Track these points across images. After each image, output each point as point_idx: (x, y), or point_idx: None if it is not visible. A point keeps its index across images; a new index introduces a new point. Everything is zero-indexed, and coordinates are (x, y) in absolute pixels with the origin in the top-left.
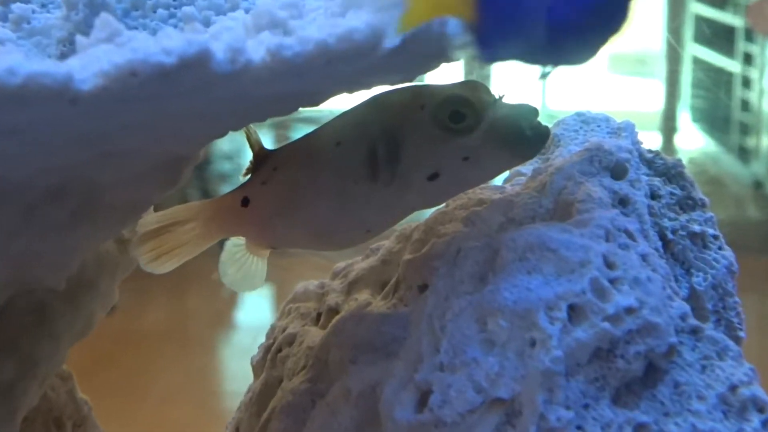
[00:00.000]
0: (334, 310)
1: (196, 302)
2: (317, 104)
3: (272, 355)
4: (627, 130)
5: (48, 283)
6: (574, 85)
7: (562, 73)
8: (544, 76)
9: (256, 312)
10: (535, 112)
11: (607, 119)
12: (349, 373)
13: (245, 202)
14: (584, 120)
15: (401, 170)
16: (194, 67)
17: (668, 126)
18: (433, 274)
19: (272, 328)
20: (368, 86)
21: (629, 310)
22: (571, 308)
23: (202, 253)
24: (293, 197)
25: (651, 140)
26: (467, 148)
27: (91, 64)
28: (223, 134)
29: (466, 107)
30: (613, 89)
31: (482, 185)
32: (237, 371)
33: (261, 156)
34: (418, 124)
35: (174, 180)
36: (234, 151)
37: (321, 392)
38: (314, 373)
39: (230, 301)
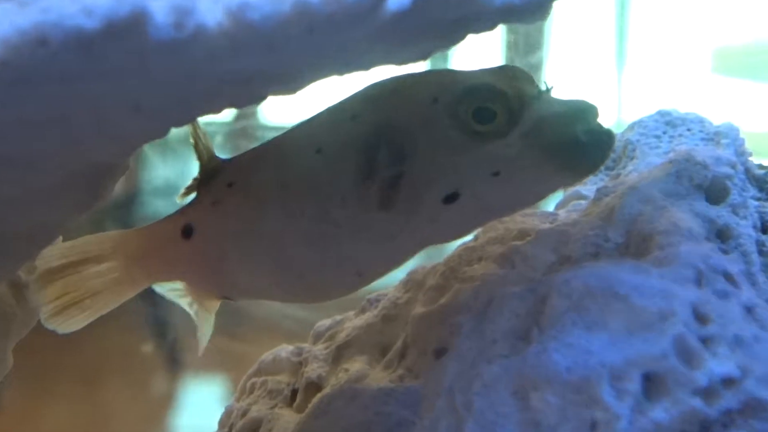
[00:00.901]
0: (315, 385)
1: (116, 398)
2: (295, 90)
3: None
4: (728, 135)
5: None
6: (663, 88)
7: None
8: None
9: (200, 411)
10: (593, 110)
11: (701, 120)
12: None
13: (187, 231)
14: (669, 121)
15: (406, 189)
16: (125, 33)
17: None
18: (456, 333)
19: (228, 411)
20: (366, 67)
21: (728, 382)
22: (647, 378)
23: (127, 321)
24: (256, 225)
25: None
26: (499, 158)
27: None
28: (162, 133)
29: (496, 102)
30: (718, 94)
31: (524, 211)
32: None
33: (211, 167)
34: (430, 124)
35: (93, 197)
36: (172, 181)
37: None
38: None
39: (165, 397)
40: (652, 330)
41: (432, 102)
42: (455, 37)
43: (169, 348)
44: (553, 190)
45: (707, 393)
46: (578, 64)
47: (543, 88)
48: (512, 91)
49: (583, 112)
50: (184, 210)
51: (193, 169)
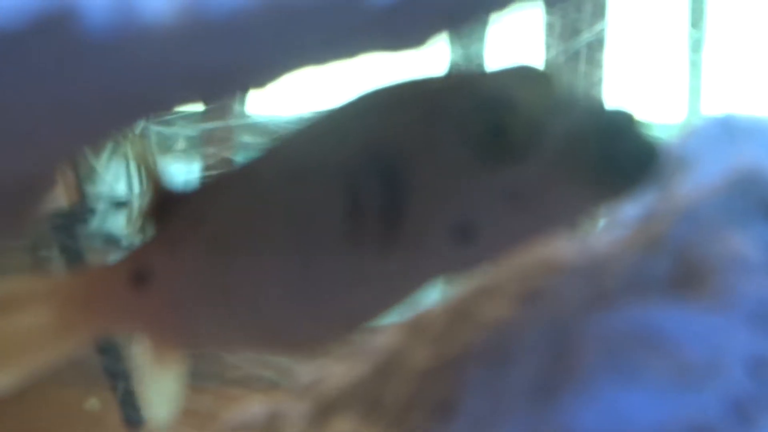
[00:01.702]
0: None
1: None
2: (264, 84)
3: None
4: None
5: None
6: (745, 80)
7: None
8: None
9: None
10: (629, 120)
11: (765, 126)
12: None
13: (141, 276)
14: (733, 128)
15: (406, 222)
16: (51, 29)
17: None
18: (465, 390)
19: None
20: (349, 54)
21: None
22: None
23: (68, 373)
24: (224, 270)
25: None
26: (517, 181)
27: None
28: (96, 141)
29: (512, 115)
30: None
31: (550, 239)
32: None
33: (166, 200)
34: (434, 143)
35: (12, 222)
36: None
37: None
38: None
39: None
40: (698, 386)
41: (436, 116)
42: (460, 18)
43: (122, 403)
44: (583, 215)
45: None
46: (640, 49)
47: (566, 91)
48: (531, 100)
49: (618, 122)
50: (136, 251)
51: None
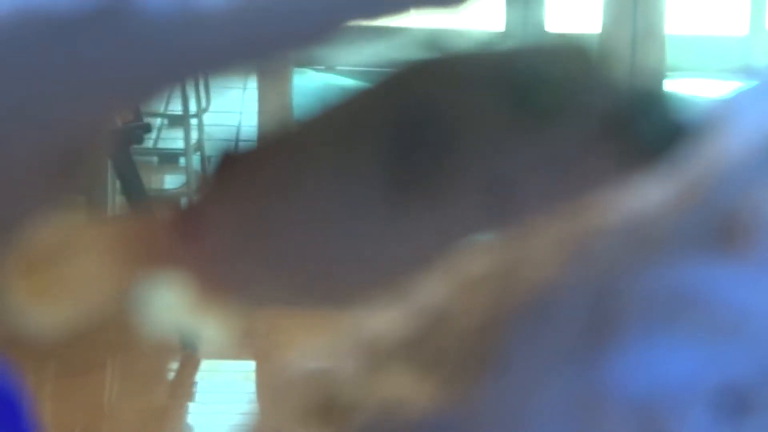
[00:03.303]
0: (347, 406)
1: None
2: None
3: None
4: None
5: None
6: None
7: None
8: None
9: None
10: (661, 96)
11: None
12: None
13: (193, 231)
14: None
15: (445, 176)
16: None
17: None
18: (514, 345)
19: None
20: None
21: None
22: (736, 398)
23: None
24: (274, 228)
25: None
26: (552, 145)
27: None
28: (144, 101)
29: (551, 84)
30: None
31: (589, 198)
32: None
33: (226, 162)
34: (474, 104)
35: (62, 185)
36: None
37: None
38: None
39: None
40: (728, 345)
41: (475, 81)
42: None
43: None
44: (612, 181)
45: None
46: None
47: (602, 65)
48: (569, 74)
49: (651, 97)
50: (189, 207)
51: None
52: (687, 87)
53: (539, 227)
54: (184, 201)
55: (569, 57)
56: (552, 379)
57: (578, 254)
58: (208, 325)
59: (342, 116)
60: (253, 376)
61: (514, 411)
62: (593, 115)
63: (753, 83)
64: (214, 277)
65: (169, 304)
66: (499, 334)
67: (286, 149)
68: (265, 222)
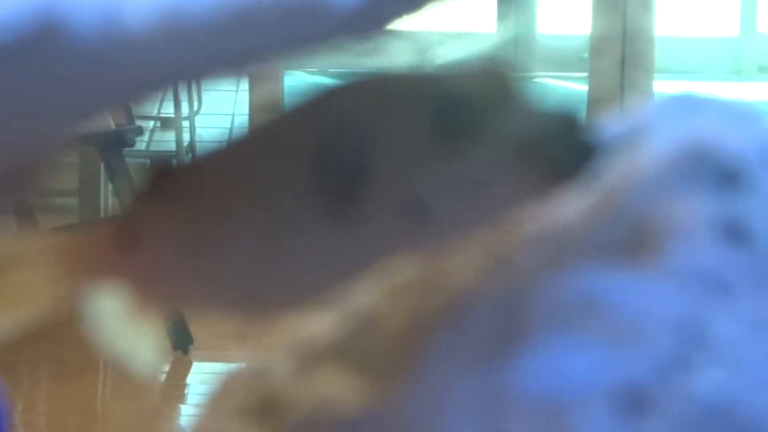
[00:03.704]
0: (282, 405)
1: None
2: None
3: None
4: (750, 119)
5: None
6: None
7: None
8: None
9: None
10: (573, 121)
11: (720, 103)
12: None
13: (131, 241)
14: (686, 104)
15: (367, 198)
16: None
17: None
18: (432, 348)
19: (194, 430)
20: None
21: (718, 406)
22: (623, 401)
23: None
24: (207, 240)
25: None
26: (467, 169)
27: None
28: (81, 123)
29: (468, 109)
30: None
31: (507, 215)
32: None
33: (160, 176)
34: (395, 129)
35: (8, 197)
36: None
37: None
38: None
39: None
40: (637, 346)
41: (397, 106)
42: None
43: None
44: (528, 202)
45: (695, 416)
46: None
47: (523, 86)
48: (486, 99)
49: (562, 122)
50: (128, 219)
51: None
52: (677, 88)
53: (458, 243)
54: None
55: (488, 81)
56: (465, 379)
57: (494, 263)
58: (141, 336)
59: (273, 134)
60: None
61: (431, 408)
62: (509, 138)
63: (664, 100)
64: (149, 287)
65: (107, 314)
66: (419, 338)
67: (221, 165)
68: (200, 235)
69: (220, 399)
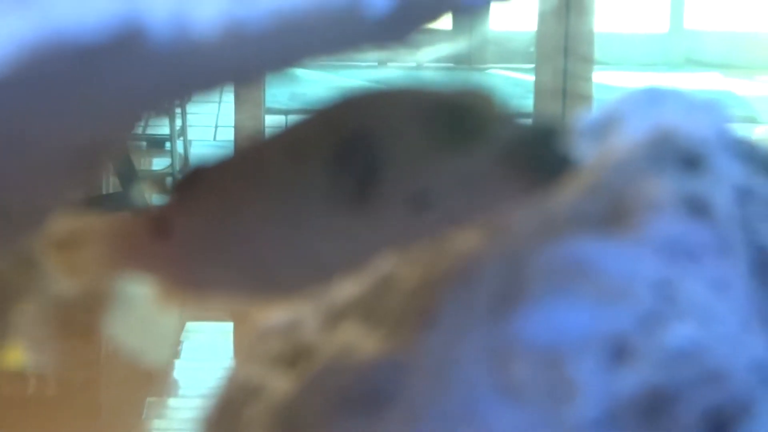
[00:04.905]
0: (310, 353)
1: None
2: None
3: (229, 415)
4: (710, 109)
5: None
6: None
7: None
8: None
9: None
10: (554, 131)
11: (682, 95)
12: None
13: (163, 229)
14: (652, 97)
15: (378, 189)
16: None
17: None
18: (443, 304)
19: (229, 378)
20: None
21: (688, 353)
22: (611, 349)
23: None
24: (233, 231)
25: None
26: (466, 167)
27: None
28: (157, 110)
29: (468, 117)
30: None
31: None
32: None
33: (193, 174)
34: (404, 130)
35: (84, 178)
36: None
37: None
38: None
39: None
40: (617, 304)
41: (406, 111)
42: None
43: None
44: (516, 199)
45: (667, 364)
46: None
47: (509, 109)
48: (480, 111)
49: (545, 132)
50: (161, 208)
51: None
52: (612, 79)
53: (459, 230)
54: (168, 180)
55: (480, 97)
56: (474, 331)
57: (495, 233)
58: (158, 334)
59: (293, 137)
60: (231, 336)
61: (444, 355)
62: (498, 145)
63: (632, 93)
64: (177, 274)
65: (132, 305)
66: (432, 295)
67: (246, 164)
68: (226, 226)
69: (255, 350)
